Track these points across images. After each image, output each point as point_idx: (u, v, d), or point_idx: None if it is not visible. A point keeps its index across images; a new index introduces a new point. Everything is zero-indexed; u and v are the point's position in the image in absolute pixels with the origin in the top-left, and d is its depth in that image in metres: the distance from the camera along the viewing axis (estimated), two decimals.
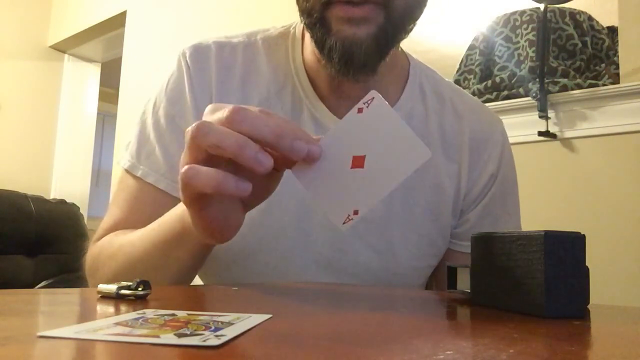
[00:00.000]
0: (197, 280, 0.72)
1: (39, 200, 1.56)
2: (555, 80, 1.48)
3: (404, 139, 0.39)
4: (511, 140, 0.78)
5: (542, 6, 1.48)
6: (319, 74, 0.66)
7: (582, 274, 0.35)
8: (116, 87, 3.08)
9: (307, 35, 0.66)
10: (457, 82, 1.66)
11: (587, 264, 0.35)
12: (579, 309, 0.34)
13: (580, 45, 1.58)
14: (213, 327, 0.25)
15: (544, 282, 0.33)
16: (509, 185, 0.74)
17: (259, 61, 0.68)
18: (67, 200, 1.69)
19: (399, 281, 0.69)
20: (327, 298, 0.47)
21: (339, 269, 0.66)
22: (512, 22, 1.65)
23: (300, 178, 0.42)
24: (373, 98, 0.40)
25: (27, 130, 3.52)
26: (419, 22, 0.63)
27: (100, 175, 4.92)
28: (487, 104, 1.19)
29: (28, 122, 3.53)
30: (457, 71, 1.73)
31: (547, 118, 1.46)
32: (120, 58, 3.09)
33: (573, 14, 1.61)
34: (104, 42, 3.51)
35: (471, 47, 1.73)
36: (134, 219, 0.64)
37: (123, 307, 0.32)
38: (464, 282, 0.44)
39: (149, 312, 0.29)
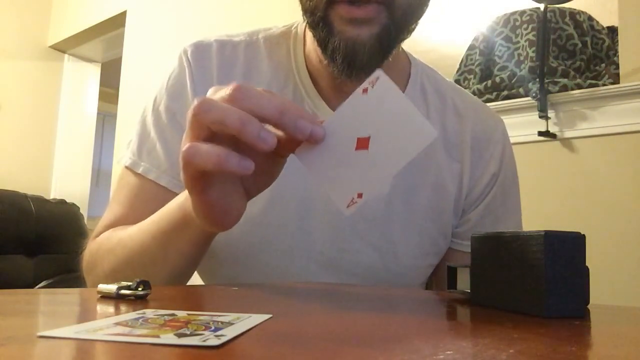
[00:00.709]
0: (198, 280, 0.72)
1: (39, 200, 1.56)
2: (555, 80, 1.48)
3: (409, 119, 0.37)
4: (511, 140, 0.78)
5: (542, 6, 1.48)
6: (321, 73, 0.66)
7: (582, 274, 0.35)
8: (116, 87, 3.08)
9: (309, 35, 0.66)
10: (457, 82, 1.66)
11: (587, 264, 0.35)
12: (579, 309, 0.34)
13: (580, 45, 1.58)
14: (213, 327, 0.25)
15: (544, 282, 0.33)
16: (510, 184, 0.75)
17: (261, 60, 0.68)
18: (67, 200, 1.69)
19: (400, 280, 0.69)
20: (327, 298, 0.47)
21: (339, 268, 0.66)
22: (512, 22, 1.65)
23: (304, 160, 0.41)
24: (378, 78, 0.39)
25: (27, 130, 3.52)
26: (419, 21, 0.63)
27: (100, 175, 4.93)
28: (487, 104, 1.19)
29: (28, 122, 3.53)
30: (457, 71, 1.73)
31: (547, 118, 1.47)
32: (120, 58, 3.09)
33: (573, 14, 1.61)
34: (104, 42, 3.51)
35: (471, 47, 1.73)
36: (134, 216, 0.64)
37: (123, 307, 0.32)
38: (464, 282, 0.44)
39: (149, 312, 0.29)
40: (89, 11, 3.37)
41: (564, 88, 1.46)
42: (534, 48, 1.54)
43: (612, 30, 1.63)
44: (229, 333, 0.24)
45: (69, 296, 0.42)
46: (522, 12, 1.63)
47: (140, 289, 0.36)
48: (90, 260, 0.63)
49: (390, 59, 0.61)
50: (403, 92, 0.70)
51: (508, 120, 0.81)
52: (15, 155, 3.44)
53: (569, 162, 1.44)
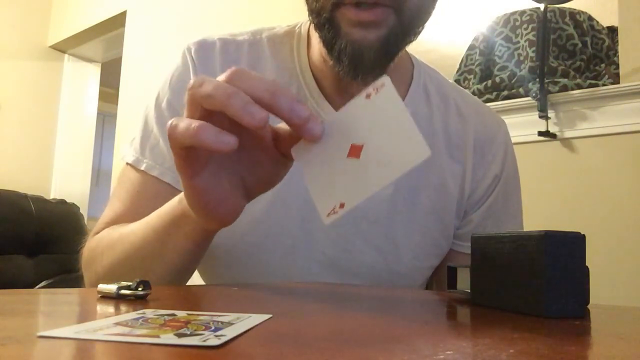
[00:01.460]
0: (198, 280, 0.72)
1: (39, 200, 1.56)
2: (555, 80, 1.48)
3: (406, 133, 0.36)
4: (511, 140, 0.78)
5: (542, 6, 1.48)
6: (325, 73, 0.66)
7: (582, 274, 0.35)
8: (116, 87, 3.08)
9: (314, 35, 0.66)
10: (457, 82, 1.66)
11: (587, 264, 0.35)
12: (579, 309, 0.34)
13: (580, 45, 1.58)
14: (213, 327, 0.25)
15: (544, 282, 0.33)
16: (512, 186, 0.75)
17: (264, 59, 0.68)
18: (67, 200, 1.69)
19: (401, 281, 0.69)
20: (327, 298, 0.47)
21: (342, 268, 0.66)
22: (512, 22, 1.65)
23: (299, 158, 0.40)
24: (383, 84, 0.38)
25: (27, 130, 3.52)
26: None
27: (100, 175, 4.93)
28: (487, 104, 1.19)
29: (28, 122, 3.53)
30: (457, 71, 1.73)
31: (547, 118, 1.47)
32: (120, 58, 3.09)
33: (573, 14, 1.61)
34: (104, 42, 3.51)
35: (471, 47, 1.73)
36: (136, 213, 0.63)
37: (123, 307, 0.32)
38: (464, 282, 0.44)
39: (149, 312, 0.29)
40: (89, 11, 3.37)
41: (564, 88, 1.46)
42: (534, 48, 1.54)
43: (612, 30, 1.63)
44: (229, 333, 0.24)
45: (69, 296, 0.42)
46: (522, 12, 1.63)
47: (140, 289, 0.36)
48: (90, 256, 0.63)
49: (394, 60, 0.61)
50: (406, 93, 0.70)
51: (508, 120, 0.81)
52: (15, 155, 3.44)
53: (569, 162, 1.44)
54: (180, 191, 0.62)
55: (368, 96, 0.38)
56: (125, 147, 0.68)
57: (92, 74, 3.86)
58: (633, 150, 1.34)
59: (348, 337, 0.27)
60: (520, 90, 1.53)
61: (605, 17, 1.65)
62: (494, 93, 1.59)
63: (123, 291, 0.35)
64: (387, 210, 0.67)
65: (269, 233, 0.65)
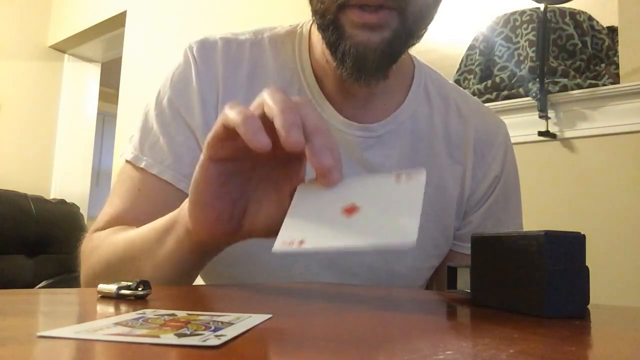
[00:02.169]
0: (198, 280, 0.72)
1: (39, 200, 1.56)
2: (555, 80, 1.48)
3: (407, 218, 0.34)
4: (511, 140, 0.78)
5: (542, 6, 1.48)
6: (327, 74, 0.66)
7: (582, 274, 0.35)
8: (116, 87, 3.08)
9: (315, 35, 0.66)
10: (457, 82, 1.66)
11: (587, 264, 0.35)
12: (579, 309, 0.34)
13: (580, 45, 1.58)
14: (213, 327, 0.25)
15: (544, 282, 0.33)
16: (512, 187, 0.75)
17: (266, 59, 0.68)
18: (67, 200, 1.69)
19: (401, 281, 0.69)
20: (327, 298, 0.47)
21: (342, 268, 0.66)
22: (512, 22, 1.65)
23: (299, 188, 0.40)
24: (419, 179, 0.37)
25: (27, 130, 3.52)
26: None
27: (100, 175, 4.93)
28: (487, 104, 1.19)
29: (28, 122, 3.53)
30: (457, 71, 1.73)
31: (547, 118, 1.47)
32: (120, 58, 3.09)
33: (573, 14, 1.61)
34: (104, 42, 3.51)
35: (471, 47, 1.73)
36: (136, 211, 0.63)
37: (123, 307, 0.32)
38: (464, 282, 0.44)
39: (149, 312, 0.29)
40: (89, 11, 3.37)
41: (564, 88, 1.46)
42: (534, 48, 1.53)
43: (612, 30, 1.63)
44: (229, 333, 0.24)
45: (69, 296, 0.42)
46: (522, 12, 1.63)
47: (140, 289, 0.36)
48: (89, 250, 0.62)
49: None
50: (406, 93, 0.71)
51: (508, 120, 0.81)
52: (15, 155, 3.44)
53: (569, 162, 1.44)
54: (179, 189, 0.63)
55: (398, 177, 0.38)
56: (124, 146, 0.68)
57: (92, 74, 3.86)
58: (633, 150, 1.34)
59: (348, 337, 0.27)
60: (520, 90, 1.53)
61: (605, 17, 1.65)
62: (494, 93, 1.59)
63: (123, 291, 0.35)
64: None
65: None
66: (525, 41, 1.58)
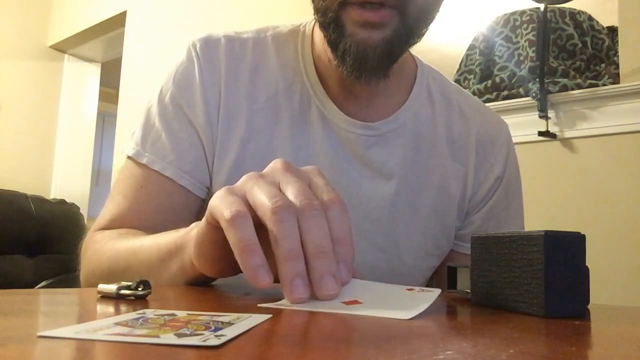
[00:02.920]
0: None
1: (39, 200, 1.56)
2: (555, 80, 1.48)
3: (410, 307, 0.33)
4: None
5: (542, 6, 1.48)
6: (329, 73, 0.66)
7: (582, 274, 0.35)
8: (116, 87, 3.08)
9: (318, 34, 0.66)
10: (457, 82, 1.66)
11: (587, 264, 0.35)
12: (579, 309, 0.34)
13: (580, 45, 1.58)
14: (213, 327, 0.25)
15: (544, 282, 0.33)
16: (513, 188, 0.75)
17: (268, 57, 0.68)
18: (67, 200, 1.69)
19: (402, 281, 0.69)
20: None
21: None
22: (512, 22, 1.65)
23: None
24: (432, 295, 0.37)
25: (27, 130, 3.52)
26: None
27: (100, 175, 4.93)
28: (487, 104, 1.19)
29: (28, 122, 3.53)
30: (457, 71, 1.73)
31: (547, 118, 1.47)
32: (120, 58, 3.09)
33: (573, 14, 1.61)
34: (104, 42, 3.51)
35: (471, 47, 1.73)
36: (139, 209, 0.63)
37: (123, 307, 0.32)
38: (464, 282, 0.44)
39: (149, 312, 0.29)
40: (89, 11, 3.37)
41: (564, 88, 1.46)
42: (534, 48, 1.53)
43: (612, 30, 1.63)
44: (229, 333, 0.24)
45: (69, 296, 0.42)
46: (522, 12, 1.63)
47: (140, 289, 0.36)
48: (88, 253, 0.62)
49: (398, 61, 0.62)
50: (409, 94, 0.71)
51: (508, 120, 0.81)
52: (15, 155, 3.44)
53: (569, 162, 1.44)
54: (181, 186, 0.63)
55: (411, 289, 0.38)
56: (126, 141, 0.68)
57: (92, 74, 3.86)
58: (633, 150, 1.34)
59: (348, 337, 0.27)
60: (520, 90, 1.53)
61: (605, 17, 1.65)
62: (494, 93, 1.59)
63: (123, 291, 0.35)
64: (388, 210, 0.67)
65: None
66: (525, 41, 1.58)
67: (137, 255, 0.55)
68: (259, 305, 0.35)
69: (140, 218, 0.63)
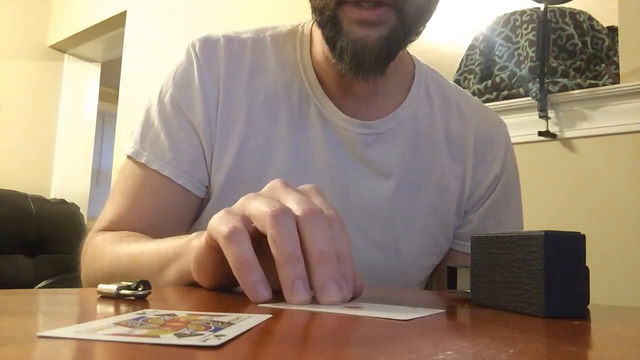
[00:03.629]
0: None
1: (39, 200, 1.56)
2: (555, 80, 1.48)
3: (412, 312, 0.33)
4: (511, 140, 0.78)
5: (542, 6, 1.48)
6: (327, 71, 0.66)
7: (582, 274, 0.35)
8: (116, 87, 3.08)
9: (316, 34, 0.66)
10: (457, 82, 1.66)
11: (587, 264, 0.35)
12: (579, 309, 0.34)
13: (580, 45, 1.58)
14: (213, 327, 0.25)
15: (544, 282, 0.33)
16: (512, 187, 0.75)
17: (267, 57, 0.69)
18: (67, 200, 1.69)
19: (401, 279, 0.69)
20: None
21: None
22: (512, 22, 1.65)
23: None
24: (437, 311, 0.36)
25: (27, 130, 3.52)
26: None
27: (100, 175, 4.93)
28: (487, 104, 1.19)
29: (28, 122, 3.53)
30: (457, 71, 1.73)
31: (547, 118, 1.47)
32: (120, 58, 3.09)
33: (573, 14, 1.61)
34: (104, 42, 3.51)
35: (471, 47, 1.73)
36: (139, 209, 0.63)
37: (123, 307, 0.32)
38: (464, 282, 0.44)
39: (149, 312, 0.29)
40: (89, 11, 3.37)
41: (564, 88, 1.46)
42: (534, 48, 1.53)
43: (612, 30, 1.63)
44: (229, 333, 0.24)
45: (69, 296, 0.42)
46: (522, 12, 1.63)
47: (140, 289, 0.36)
48: (89, 254, 0.62)
49: (396, 60, 0.62)
50: (407, 93, 0.71)
51: (508, 120, 0.82)
52: (15, 155, 3.44)
53: (569, 162, 1.44)
54: (179, 184, 0.63)
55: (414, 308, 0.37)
56: (125, 140, 0.68)
57: (92, 73, 3.86)
58: (633, 150, 1.34)
59: (348, 337, 0.27)
60: (520, 90, 1.53)
61: (605, 17, 1.65)
62: (494, 93, 1.59)
63: (123, 291, 0.35)
64: (387, 208, 0.67)
65: None
66: (525, 41, 1.58)
67: (137, 260, 0.55)
68: (259, 305, 0.35)
69: (140, 218, 0.64)
